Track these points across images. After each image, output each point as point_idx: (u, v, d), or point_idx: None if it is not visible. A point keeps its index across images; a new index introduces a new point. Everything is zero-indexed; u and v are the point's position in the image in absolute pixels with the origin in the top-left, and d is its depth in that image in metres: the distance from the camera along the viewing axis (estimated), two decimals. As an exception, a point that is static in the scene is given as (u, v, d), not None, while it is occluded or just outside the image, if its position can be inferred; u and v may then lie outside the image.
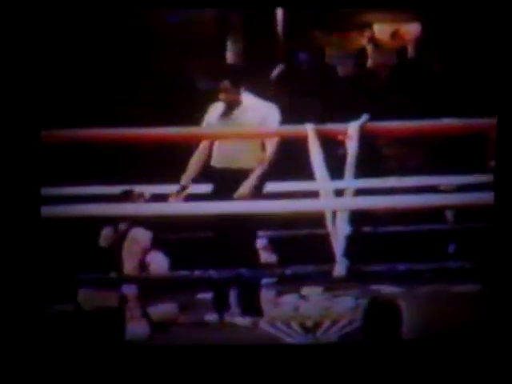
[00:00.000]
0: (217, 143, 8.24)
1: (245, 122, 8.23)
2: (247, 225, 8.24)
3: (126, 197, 7.75)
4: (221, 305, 8.25)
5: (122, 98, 9.14)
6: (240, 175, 8.20)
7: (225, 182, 8.26)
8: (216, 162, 8.25)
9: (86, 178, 8.38)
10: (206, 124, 8.27)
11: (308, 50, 10.42)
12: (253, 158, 8.25)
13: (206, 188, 8.41)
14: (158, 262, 8.03)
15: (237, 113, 8.23)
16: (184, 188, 8.26)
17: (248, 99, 8.23)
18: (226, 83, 8.28)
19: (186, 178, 8.28)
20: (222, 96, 8.26)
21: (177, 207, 8.33)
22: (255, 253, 8.42)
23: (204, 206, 8.25)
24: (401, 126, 8.66)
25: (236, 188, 8.19)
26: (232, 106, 8.25)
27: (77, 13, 9.97)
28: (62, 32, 9.34)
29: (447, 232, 8.89)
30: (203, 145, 8.30)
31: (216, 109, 8.22)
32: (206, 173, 8.31)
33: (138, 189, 8.20)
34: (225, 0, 8.14)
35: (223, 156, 8.28)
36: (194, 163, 8.30)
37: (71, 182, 8.38)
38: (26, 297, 7.18)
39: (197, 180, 8.33)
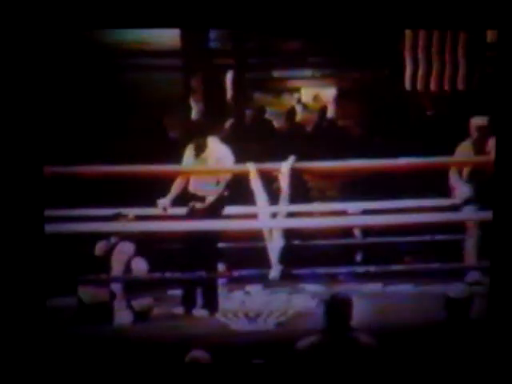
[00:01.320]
0: (191, 177, 8.48)
1: (209, 161, 8.35)
2: (207, 238, 8.34)
3: (116, 218, 7.56)
4: (188, 301, 8.31)
5: (115, 143, 9.17)
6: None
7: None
8: (189, 190, 8.39)
9: (83, 203, 8.45)
10: (184, 162, 8.47)
11: (252, 107, 10.65)
12: (211, 190, 8.31)
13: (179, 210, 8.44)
14: (140, 267, 8.28)
15: (205, 155, 8.30)
16: (166, 205, 8.32)
17: (211, 143, 8.37)
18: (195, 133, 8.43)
19: (169, 197, 8.33)
20: (192, 142, 8.43)
21: (154, 225, 8.42)
22: (213, 259, 8.41)
23: (175, 225, 8.43)
24: (321, 165, 8.76)
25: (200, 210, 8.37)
26: (201, 149, 8.33)
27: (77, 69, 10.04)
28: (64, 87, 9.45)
29: (356, 245, 9.08)
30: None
31: (190, 150, 8.40)
32: (183, 194, 8.39)
33: (124, 211, 8.24)
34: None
35: (192, 187, 8.40)
36: (177, 187, 8.38)
37: (72, 205, 8.43)
38: (35, 292, 7.00)
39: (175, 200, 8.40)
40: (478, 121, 8.70)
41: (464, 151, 8.70)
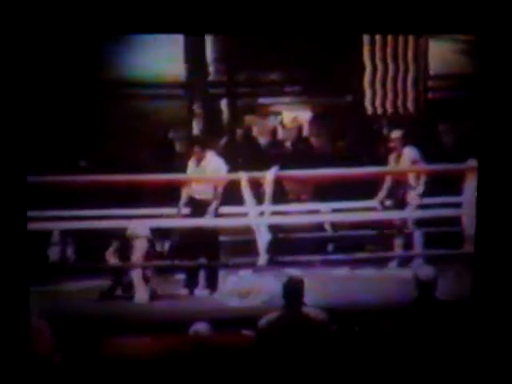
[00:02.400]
0: (193, 183, 8.48)
1: (208, 170, 8.42)
2: (209, 232, 8.37)
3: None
4: (191, 283, 8.31)
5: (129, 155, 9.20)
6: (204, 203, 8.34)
7: (196, 206, 8.41)
8: (193, 194, 8.43)
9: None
10: (188, 171, 8.53)
11: (242, 128, 10.68)
12: (210, 194, 8.30)
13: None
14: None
15: (203, 164, 8.29)
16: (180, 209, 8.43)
17: (209, 156, 8.42)
18: (196, 148, 8.39)
19: (181, 202, 8.40)
20: (194, 155, 8.42)
21: (167, 222, 8.47)
22: (214, 250, 8.44)
23: (184, 222, 8.46)
24: (298, 173, 8.82)
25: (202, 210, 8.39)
26: (200, 160, 8.28)
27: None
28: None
29: (327, 237, 8.98)
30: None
31: (192, 162, 8.43)
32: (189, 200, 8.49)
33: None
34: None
35: (195, 191, 8.44)
36: (184, 194, 8.41)
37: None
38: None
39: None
40: (395, 133, 8.87)
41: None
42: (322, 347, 5.70)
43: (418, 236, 8.66)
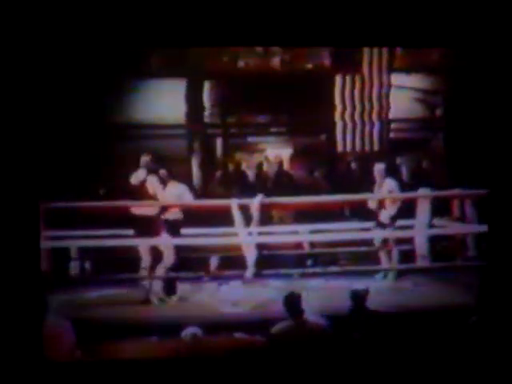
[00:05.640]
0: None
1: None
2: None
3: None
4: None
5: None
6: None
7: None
8: None
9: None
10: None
11: (233, 162, 10.86)
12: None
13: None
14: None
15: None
16: None
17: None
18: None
19: None
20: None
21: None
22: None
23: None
24: (280, 201, 8.76)
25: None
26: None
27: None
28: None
29: (305, 254, 9.00)
30: None
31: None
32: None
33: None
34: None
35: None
36: None
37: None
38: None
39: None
40: (378, 166, 8.80)
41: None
42: (324, 350, 5.61)
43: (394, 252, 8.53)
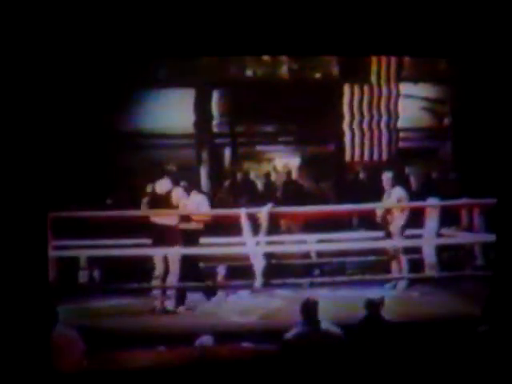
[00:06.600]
0: None
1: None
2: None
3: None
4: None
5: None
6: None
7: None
8: None
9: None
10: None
11: (241, 172, 10.73)
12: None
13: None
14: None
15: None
16: None
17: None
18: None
19: None
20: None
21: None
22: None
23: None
24: (288, 210, 8.72)
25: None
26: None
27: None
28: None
29: (313, 264, 8.97)
30: None
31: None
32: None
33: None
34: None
35: None
36: None
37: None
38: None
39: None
40: (386, 174, 8.68)
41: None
42: (338, 357, 5.52)
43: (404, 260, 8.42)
